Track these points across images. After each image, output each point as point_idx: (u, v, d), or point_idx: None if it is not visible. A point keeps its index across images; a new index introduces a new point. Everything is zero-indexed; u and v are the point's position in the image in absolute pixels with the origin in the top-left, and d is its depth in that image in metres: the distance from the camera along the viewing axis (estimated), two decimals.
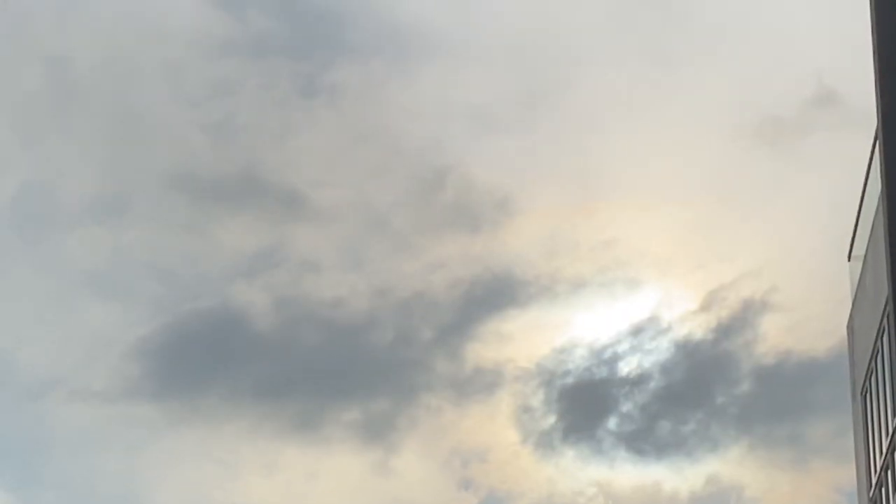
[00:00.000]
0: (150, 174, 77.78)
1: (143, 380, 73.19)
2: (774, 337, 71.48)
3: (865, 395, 33.28)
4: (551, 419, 72.33)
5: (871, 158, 31.49)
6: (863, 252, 33.02)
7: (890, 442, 30.37)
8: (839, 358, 70.15)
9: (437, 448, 73.84)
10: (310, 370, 73.78)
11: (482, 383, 73.33)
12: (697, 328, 72.37)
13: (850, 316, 35.59)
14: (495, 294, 74.60)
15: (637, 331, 72.96)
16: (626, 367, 72.59)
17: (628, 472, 71.61)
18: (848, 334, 35.79)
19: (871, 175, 31.73)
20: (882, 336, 30.94)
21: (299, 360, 73.79)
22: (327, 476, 74.00)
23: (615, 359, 72.71)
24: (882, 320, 30.62)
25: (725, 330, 71.75)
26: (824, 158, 72.27)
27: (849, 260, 35.43)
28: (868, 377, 32.78)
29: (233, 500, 72.11)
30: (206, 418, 72.87)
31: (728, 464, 70.75)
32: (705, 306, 72.60)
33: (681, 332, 72.45)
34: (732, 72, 74.43)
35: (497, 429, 74.16)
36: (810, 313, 73.91)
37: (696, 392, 71.30)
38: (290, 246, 77.17)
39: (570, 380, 72.74)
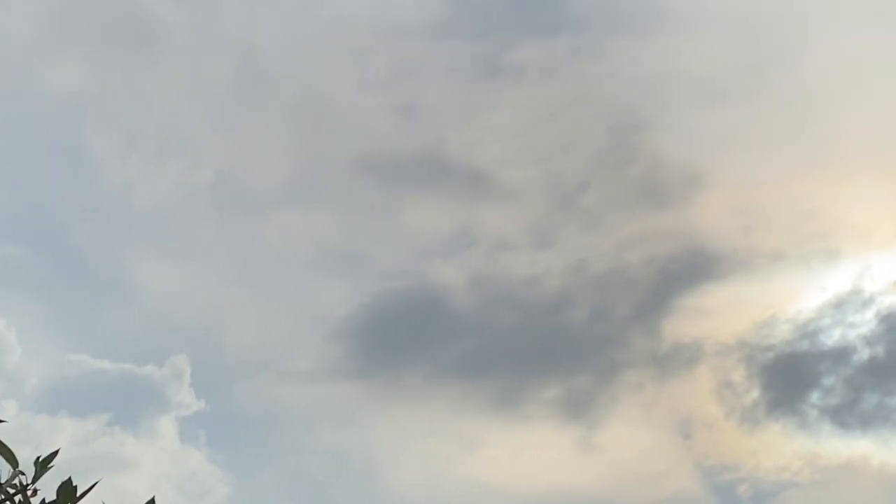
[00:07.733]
0: (338, 158, 78.47)
1: (347, 360, 73.81)
2: None
3: None
4: (754, 394, 71.76)
5: None
6: None
7: None
8: None
9: (639, 424, 73.58)
10: (508, 348, 73.94)
11: (682, 359, 72.90)
12: None
13: None
14: (691, 269, 74.16)
15: (839, 303, 72.15)
16: (829, 340, 71.80)
17: (835, 446, 70.80)
18: None
19: None
20: None
21: (497, 338, 73.99)
22: (532, 452, 74.07)
23: (817, 332, 71.98)
24: None
25: None
26: None
27: None
28: None
29: (469, 474, 72.45)
30: (408, 397, 73.25)
31: None
32: None
33: (884, 303, 71.49)
34: None
35: (699, 404, 73.69)
36: None
37: None
38: (480, 226, 77.37)
39: (771, 354, 72.12)
